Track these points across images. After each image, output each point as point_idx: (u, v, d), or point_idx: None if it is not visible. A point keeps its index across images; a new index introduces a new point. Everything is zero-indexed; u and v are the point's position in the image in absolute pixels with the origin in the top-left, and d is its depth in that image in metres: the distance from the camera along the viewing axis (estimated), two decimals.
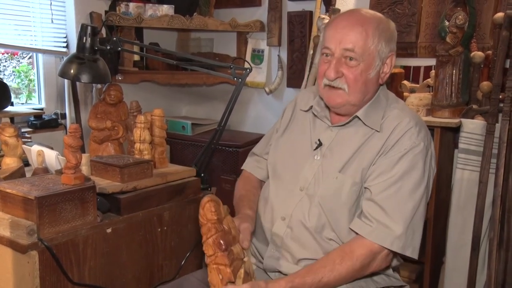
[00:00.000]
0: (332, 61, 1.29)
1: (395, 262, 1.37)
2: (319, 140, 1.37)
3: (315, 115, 1.42)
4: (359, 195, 1.30)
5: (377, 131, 1.30)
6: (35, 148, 1.77)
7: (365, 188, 1.29)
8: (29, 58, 2.78)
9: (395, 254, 1.30)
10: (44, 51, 2.68)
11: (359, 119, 1.33)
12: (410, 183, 1.25)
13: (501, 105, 2.09)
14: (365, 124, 1.32)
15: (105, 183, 1.61)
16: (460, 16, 2.07)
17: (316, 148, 1.37)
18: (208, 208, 1.12)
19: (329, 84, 1.31)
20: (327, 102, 1.35)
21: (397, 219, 1.23)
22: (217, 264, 1.11)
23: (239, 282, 1.12)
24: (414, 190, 1.25)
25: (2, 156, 1.79)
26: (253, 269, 1.21)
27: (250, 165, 1.61)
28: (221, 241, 1.11)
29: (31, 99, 2.80)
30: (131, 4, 2.82)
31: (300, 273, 1.21)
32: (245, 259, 1.18)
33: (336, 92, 1.31)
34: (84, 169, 1.67)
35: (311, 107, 1.43)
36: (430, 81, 2.40)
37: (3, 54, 2.71)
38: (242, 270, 1.14)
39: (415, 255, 1.26)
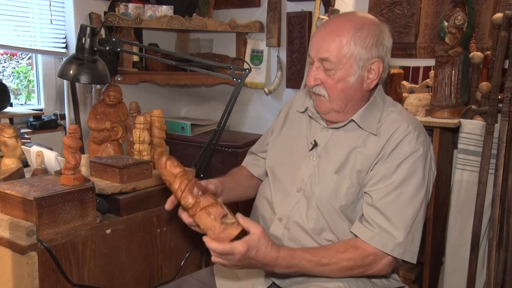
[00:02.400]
0: (312, 68, 1.31)
1: (395, 264, 1.37)
2: (314, 140, 1.38)
3: (310, 117, 1.43)
4: (356, 197, 1.30)
5: (373, 134, 1.31)
6: (34, 148, 1.77)
7: (365, 193, 1.30)
8: (28, 58, 2.78)
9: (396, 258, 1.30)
10: (43, 52, 2.68)
11: (355, 122, 1.33)
12: (410, 189, 1.25)
13: (500, 105, 2.10)
14: (361, 128, 1.32)
15: (104, 184, 1.61)
16: (459, 17, 2.07)
17: (312, 148, 1.37)
18: (171, 164, 1.15)
19: (312, 91, 1.34)
20: (315, 107, 1.39)
21: (398, 226, 1.23)
22: (203, 208, 1.11)
23: (231, 217, 1.13)
24: (415, 196, 1.25)
25: (2, 157, 1.79)
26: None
27: (247, 162, 1.65)
28: (197, 188, 1.13)
29: (30, 100, 2.80)
30: (130, 5, 2.82)
31: (302, 248, 1.25)
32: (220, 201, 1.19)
33: (320, 99, 1.34)
34: (84, 170, 1.67)
35: (307, 108, 1.44)
36: (429, 81, 2.40)
37: (2, 55, 2.70)
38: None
39: (413, 260, 1.27)
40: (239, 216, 1.14)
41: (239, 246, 1.10)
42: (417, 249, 1.28)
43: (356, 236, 1.27)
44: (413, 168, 1.26)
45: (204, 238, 1.11)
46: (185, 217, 1.24)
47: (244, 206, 1.58)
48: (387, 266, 1.26)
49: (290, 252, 1.20)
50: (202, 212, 1.11)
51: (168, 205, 1.30)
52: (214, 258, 1.13)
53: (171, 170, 1.15)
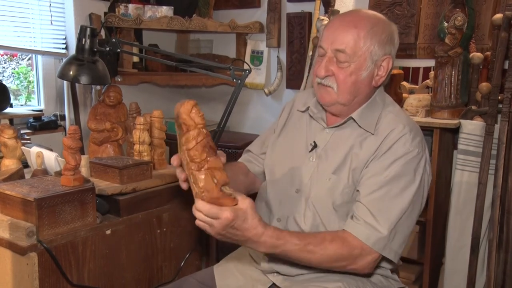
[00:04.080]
0: (324, 59, 1.30)
1: (394, 264, 1.36)
2: (314, 142, 1.38)
3: (311, 116, 1.43)
4: (352, 198, 1.30)
5: (371, 133, 1.30)
6: (34, 149, 1.77)
7: (356, 190, 1.30)
8: (28, 59, 2.78)
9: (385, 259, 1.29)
10: (43, 53, 2.68)
11: (354, 120, 1.33)
12: (398, 187, 1.25)
13: (500, 106, 2.10)
14: (359, 126, 1.32)
15: (104, 185, 1.61)
16: (459, 17, 2.07)
17: (311, 150, 1.37)
18: (197, 112, 1.07)
19: (320, 82, 1.32)
20: (318, 99, 1.37)
21: (382, 222, 1.23)
22: (210, 168, 1.05)
23: (229, 189, 1.08)
24: (402, 194, 1.25)
25: (1, 157, 1.79)
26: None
27: (244, 159, 1.61)
28: (212, 145, 1.07)
29: (30, 100, 2.80)
30: (130, 6, 2.82)
31: (290, 232, 1.21)
32: None
33: (326, 90, 1.32)
34: (84, 170, 1.67)
35: (308, 108, 1.44)
36: (429, 82, 2.40)
37: (2, 55, 2.71)
38: None
39: (392, 257, 1.26)
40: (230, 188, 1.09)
41: (226, 212, 1.04)
42: (399, 248, 1.27)
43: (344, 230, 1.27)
44: (405, 168, 1.26)
45: (196, 197, 1.07)
46: (179, 171, 1.20)
47: None
48: (370, 264, 1.25)
49: (276, 232, 1.15)
50: (207, 172, 1.05)
51: (176, 161, 1.19)
52: (197, 221, 1.07)
53: (194, 117, 1.07)
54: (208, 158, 1.05)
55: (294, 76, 2.94)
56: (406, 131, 1.29)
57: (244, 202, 1.08)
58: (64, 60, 1.85)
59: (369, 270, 1.27)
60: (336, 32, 1.28)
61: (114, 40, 1.87)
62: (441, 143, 2.17)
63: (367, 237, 1.22)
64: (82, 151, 1.87)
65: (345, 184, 1.30)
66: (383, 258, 1.29)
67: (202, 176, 1.05)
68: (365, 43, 1.26)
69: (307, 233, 1.25)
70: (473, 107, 2.19)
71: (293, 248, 1.18)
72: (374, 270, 1.33)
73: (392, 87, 2.29)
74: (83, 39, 1.77)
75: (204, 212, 1.05)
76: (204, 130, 1.07)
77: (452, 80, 2.15)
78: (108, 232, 1.53)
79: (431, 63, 2.42)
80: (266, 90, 3.06)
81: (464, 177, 2.19)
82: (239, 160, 1.63)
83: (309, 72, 2.60)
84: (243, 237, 1.10)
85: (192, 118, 1.07)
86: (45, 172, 1.72)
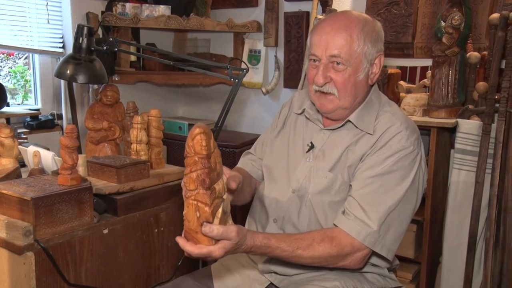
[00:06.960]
0: (319, 67, 1.29)
1: (391, 264, 1.37)
2: (311, 142, 1.38)
3: (307, 118, 1.43)
4: (348, 195, 1.30)
5: (369, 134, 1.31)
6: (31, 149, 1.76)
7: (349, 185, 1.30)
8: (25, 58, 2.77)
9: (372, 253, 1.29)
10: (40, 52, 2.67)
11: (351, 123, 1.33)
12: (391, 182, 1.25)
13: (497, 105, 2.10)
14: (357, 127, 1.33)
15: (101, 184, 1.61)
16: (456, 17, 2.08)
17: (308, 150, 1.37)
18: (199, 141, 1.04)
19: (319, 90, 1.32)
20: (319, 108, 1.37)
21: (372, 216, 1.23)
22: (197, 200, 1.05)
23: (216, 222, 1.07)
24: (393, 190, 1.25)
25: None
26: (229, 207, 1.17)
27: (245, 163, 1.59)
28: (206, 179, 1.04)
29: (27, 99, 2.79)
30: (128, 5, 2.82)
31: (279, 236, 1.21)
32: (224, 196, 1.13)
33: (327, 98, 1.32)
34: (81, 170, 1.67)
35: (304, 110, 1.44)
36: (426, 81, 2.41)
37: None
38: (220, 210, 1.09)
39: (384, 253, 1.26)
40: (216, 226, 1.07)
41: (215, 251, 1.07)
42: (392, 244, 1.27)
43: (335, 226, 1.27)
44: (398, 164, 1.26)
45: (178, 239, 1.10)
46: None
47: (240, 207, 1.57)
48: (361, 260, 1.25)
49: (265, 242, 1.16)
50: (194, 203, 1.05)
51: None
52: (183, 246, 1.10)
53: (195, 145, 1.04)
54: (198, 191, 1.04)
55: (292, 75, 2.94)
56: (402, 128, 1.29)
57: (230, 237, 1.08)
58: (61, 59, 1.84)
59: (359, 266, 1.27)
60: (328, 37, 1.27)
61: (111, 39, 1.86)
62: (438, 142, 2.18)
63: (358, 232, 1.23)
64: (79, 150, 1.87)
65: (341, 181, 1.30)
66: (379, 257, 1.29)
67: (187, 205, 1.05)
68: (358, 44, 1.26)
69: (297, 236, 1.23)
70: (470, 107, 2.20)
71: (283, 254, 1.19)
72: (372, 269, 1.33)
73: (390, 86, 2.30)
74: (80, 38, 1.77)
75: (193, 255, 1.09)
76: (203, 161, 1.04)
77: (449, 79, 2.16)
78: (106, 231, 1.52)
79: (428, 62, 2.43)
80: (263, 89, 3.06)
81: (461, 176, 2.20)
82: (239, 164, 1.62)
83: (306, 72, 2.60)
84: (234, 252, 1.14)
85: (193, 145, 1.05)
86: (42, 171, 1.71)
